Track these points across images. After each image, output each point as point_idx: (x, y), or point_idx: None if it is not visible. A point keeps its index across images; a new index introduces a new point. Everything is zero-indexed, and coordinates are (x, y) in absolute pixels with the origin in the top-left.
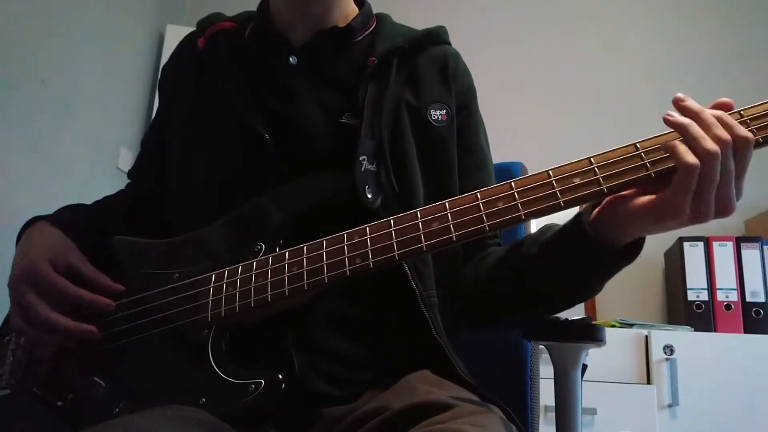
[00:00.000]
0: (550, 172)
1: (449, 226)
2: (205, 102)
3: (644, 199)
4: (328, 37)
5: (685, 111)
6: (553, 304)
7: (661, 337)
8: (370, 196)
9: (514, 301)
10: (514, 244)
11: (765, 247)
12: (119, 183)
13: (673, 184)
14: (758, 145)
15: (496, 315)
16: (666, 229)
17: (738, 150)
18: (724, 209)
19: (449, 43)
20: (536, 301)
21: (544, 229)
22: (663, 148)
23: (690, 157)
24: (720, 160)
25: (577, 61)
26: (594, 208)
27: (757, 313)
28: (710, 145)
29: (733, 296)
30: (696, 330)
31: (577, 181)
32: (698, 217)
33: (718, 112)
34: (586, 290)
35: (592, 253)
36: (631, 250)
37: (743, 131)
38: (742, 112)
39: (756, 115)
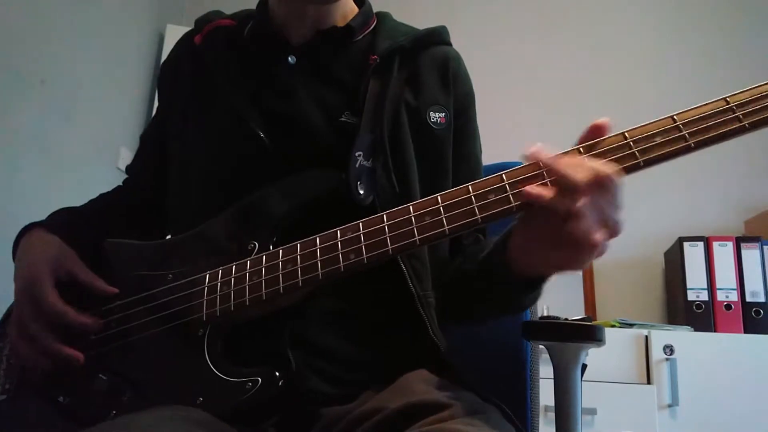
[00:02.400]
0: (540, 163)
1: (442, 219)
2: (203, 99)
3: (549, 256)
4: (327, 37)
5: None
6: (490, 315)
7: (661, 337)
8: (362, 192)
9: (464, 306)
10: (467, 254)
11: (765, 247)
12: (119, 183)
13: (579, 251)
14: (690, 149)
15: (456, 315)
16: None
17: (605, 187)
18: (614, 234)
19: (450, 44)
20: (470, 310)
21: (488, 243)
22: (566, 228)
23: (595, 235)
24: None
25: (577, 60)
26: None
27: (757, 313)
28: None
29: (733, 296)
30: (696, 330)
31: None
32: (597, 257)
33: (575, 160)
34: (504, 309)
35: (501, 279)
36: (537, 283)
37: (605, 168)
38: (675, 117)
39: (688, 120)
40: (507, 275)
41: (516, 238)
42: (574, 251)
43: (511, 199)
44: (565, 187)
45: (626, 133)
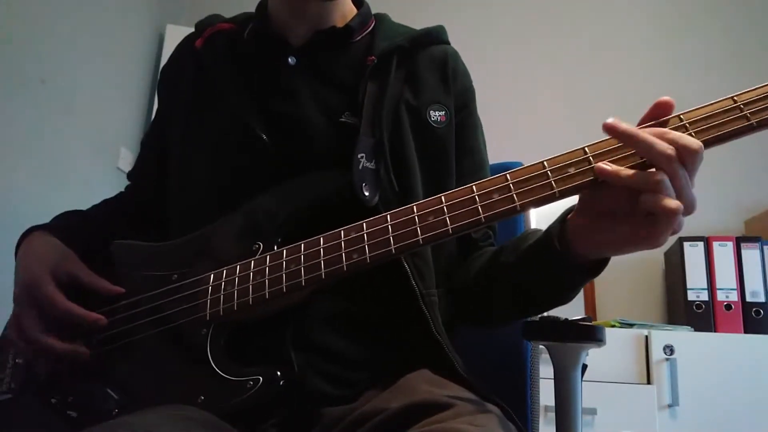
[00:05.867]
0: (545, 162)
1: (445, 219)
2: (204, 103)
3: (622, 232)
4: (326, 37)
5: (620, 137)
6: (531, 308)
7: (661, 337)
8: (367, 193)
9: (499, 302)
10: (497, 249)
11: (765, 247)
12: (119, 183)
13: (657, 225)
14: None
15: (489, 311)
16: (639, 250)
17: (686, 160)
18: (690, 210)
19: (449, 43)
20: (516, 303)
21: (523, 236)
22: (642, 202)
23: (673, 203)
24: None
25: (577, 61)
26: (563, 223)
27: (757, 313)
28: (666, 149)
29: (733, 296)
30: (696, 330)
31: (572, 170)
32: (675, 232)
33: (658, 130)
34: (559, 298)
35: (559, 267)
36: (598, 265)
37: (688, 140)
38: (682, 116)
39: (696, 119)
40: (565, 260)
41: (578, 219)
42: (651, 225)
43: (515, 198)
44: (649, 157)
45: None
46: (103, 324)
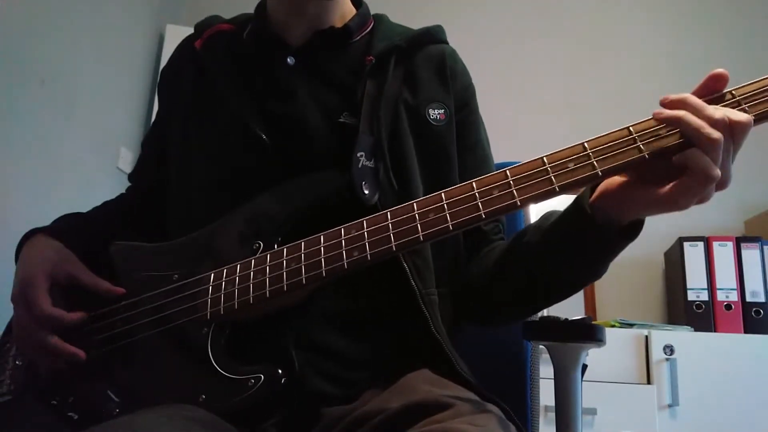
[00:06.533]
0: (545, 158)
1: (445, 215)
2: (204, 103)
3: (653, 191)
4: (325, 38)
5: (675, 105)
6: (559, 290)
7: (661, 337)
8: (367, 192)
9: (521, 291)
10: (517, 234)
11: (765, 247)
12: (119, 183)
13: (689, 185)
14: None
15: (502, 307)
16: (667, 212)
17: (735, 135)
18: (723, 185)
19: (446, 42)
20: (542, 287)
21: (545, 217)
22: (689, 156)
23: (716, 170)
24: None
25: (577, 60)
26: (592, 192)
27: (757, 313)
28: (712, 133)
29: (733, 296)
30: (696, 330)
31: (571, 165)
32: (702, 201)
33: (711, 107)
34: (590, 272)
35: (593, 233)
36: (633, 229)
37: (739, 116)
38: (733, 92)
39: (748, 94)
40: (599, 226)
41: (603, 201)
42: (685, 183)
43: (515, 194)
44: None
45: (631, 126)
46: (83, 323)
